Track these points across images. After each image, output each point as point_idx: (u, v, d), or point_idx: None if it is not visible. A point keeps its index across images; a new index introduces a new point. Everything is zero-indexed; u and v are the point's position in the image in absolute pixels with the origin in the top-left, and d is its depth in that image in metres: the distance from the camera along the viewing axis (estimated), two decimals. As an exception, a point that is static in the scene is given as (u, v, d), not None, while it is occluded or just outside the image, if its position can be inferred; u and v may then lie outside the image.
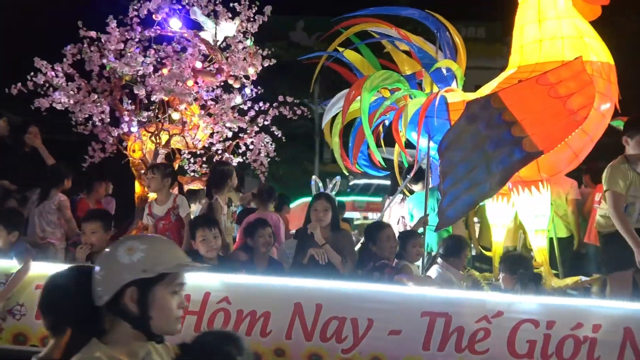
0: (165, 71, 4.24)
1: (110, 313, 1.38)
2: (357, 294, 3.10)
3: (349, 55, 4.69)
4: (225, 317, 3.12)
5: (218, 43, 4.81)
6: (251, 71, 4.80)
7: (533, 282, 3.06)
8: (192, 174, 5.21)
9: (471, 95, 4.58)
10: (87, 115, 4.35)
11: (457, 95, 4.53)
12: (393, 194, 5.55)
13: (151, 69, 4.26)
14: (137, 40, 4.70)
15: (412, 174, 4.74)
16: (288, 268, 3.61)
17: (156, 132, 4.42)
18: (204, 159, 5.14)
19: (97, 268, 1.41)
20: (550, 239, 4.46)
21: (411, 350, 3.00)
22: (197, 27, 4.98)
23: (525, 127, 3.88)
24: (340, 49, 4.69)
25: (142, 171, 4.52)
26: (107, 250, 1.45)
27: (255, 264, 3.50)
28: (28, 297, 3.26)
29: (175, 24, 4.87)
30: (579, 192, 4.81)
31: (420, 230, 4.03)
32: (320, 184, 3.75)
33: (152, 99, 4.51)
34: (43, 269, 3.27)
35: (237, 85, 4.51)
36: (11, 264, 3.33)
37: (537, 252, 4.18)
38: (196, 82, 4.40)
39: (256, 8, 4.96)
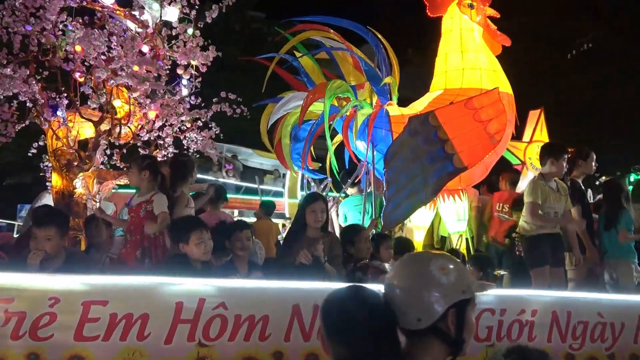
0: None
1: (419, 336, 1.33)
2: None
3: (303, 60, 4.79)
4: (222, 324, 3.00)
5: (157, 28, 4.46)
6: (193, 63, 4.55)
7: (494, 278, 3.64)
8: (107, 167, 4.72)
9: (405, 110, 5.11)
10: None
11: (395, 109, 5.01)
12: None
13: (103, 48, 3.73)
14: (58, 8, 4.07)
15: (357, 179, 5.04)
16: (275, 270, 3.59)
17: (99, 120, 3.90)
18: (124, 151, 4.68)
19: (401, 289, 1.35)
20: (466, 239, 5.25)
21: (398, 343, 3.30)
22: (126, 5, 4.53)
23: (455, 145, 4.52)
24: (297, 54, 4.76)
25: (72, 162, 3.95)
26: (411, 269, 1.39)
27: (236, 266, 3.40)
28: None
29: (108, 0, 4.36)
30: (479, 200, 5.72)
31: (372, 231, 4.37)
32: (313, 185, 3.82)
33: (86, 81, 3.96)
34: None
35: (186, 76, 4.24)
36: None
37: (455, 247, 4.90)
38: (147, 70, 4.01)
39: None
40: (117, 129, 4.21)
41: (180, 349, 2.94)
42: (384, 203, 4.94)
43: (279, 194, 10.67)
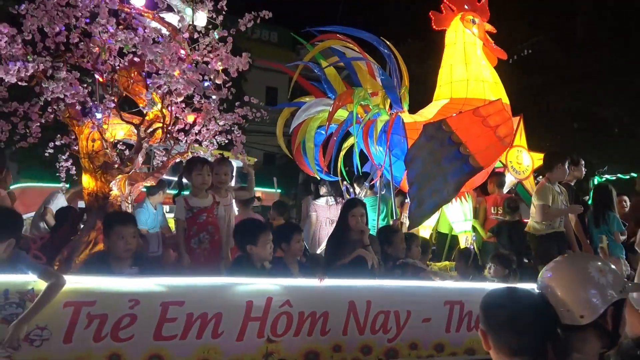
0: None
1: (578, 331, 1.51)
2: (398, 290, 3.55)
3: (326, 69, 5.00)
4: (288, 320, 3.19)
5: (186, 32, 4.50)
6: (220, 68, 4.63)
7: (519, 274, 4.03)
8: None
9: (417, 117, 5.44)
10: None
11: (408, 117, 5.33)
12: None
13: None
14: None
15: (372, 182, 5.31)
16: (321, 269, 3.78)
17: (139, 124, 3.92)
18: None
19: (564, 289, 1.55)
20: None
21: (438, 334, 3.61)
22: (154, 8, 4.55)
23: (470, 147, 4.90)
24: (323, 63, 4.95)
25: (112, 165, 3.95)
26: (571, 271, 1.60)
27: (290, 268, 3.58)
28: (53, 317, 2.69)
29: (138, 2, 4.36)
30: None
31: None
32: (352, 190, 4.03)
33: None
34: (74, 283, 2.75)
35: (219, 82, 4.32)
36: (24, 279, 2.68)
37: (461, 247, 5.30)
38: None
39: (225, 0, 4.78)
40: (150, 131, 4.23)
41: (250, 345, 3.10)
42: (393, 204, 5.28)
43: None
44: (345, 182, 4.17)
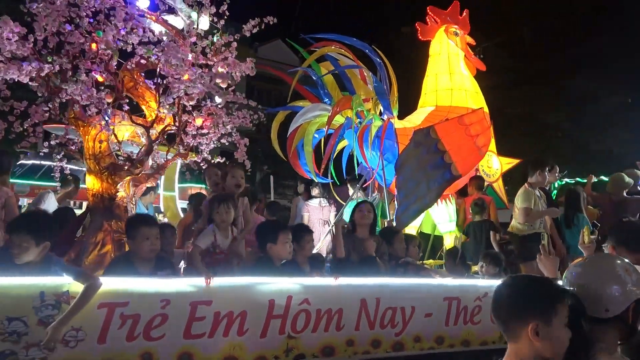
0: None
1: (601, 323, 1.73)
2: (404, 287, 3.79)
3: (324, 74, 5.18)
4: (306, 317, 3.35)
5: (193, 37, 4.56)
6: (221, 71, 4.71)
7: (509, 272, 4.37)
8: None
9: (406, 123, 5.73)
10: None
11: (398, 123, 5.60)
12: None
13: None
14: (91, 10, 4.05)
15: (366, 184, 5.54)
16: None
17: (149, 126, 3.95)
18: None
19: (592, 285, 1.76)
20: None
21: (438, 328, 3.88)
22: (156, 10, 4.58)
23: (452, 155, 5.24)
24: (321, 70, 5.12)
25: (122, 166, 3.97)
26: (600, 269, 1.82)
27: (300, 266, 3.74)
28: (87, 318, 2.74)
29: (143, 3, 4.38)
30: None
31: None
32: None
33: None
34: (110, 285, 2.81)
35: (224, 85, 4.42)
36: (60, 281, 2.72)
37: (448, 246, 5.63)
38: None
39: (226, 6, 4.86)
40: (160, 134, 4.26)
41: (273, 341, 3.25)
42: (385, 205, 5.54)
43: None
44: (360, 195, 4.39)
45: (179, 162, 5.23)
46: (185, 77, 4.11)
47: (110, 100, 3.96)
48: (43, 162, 9.88)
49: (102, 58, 4.03)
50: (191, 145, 4.30)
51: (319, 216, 5.66)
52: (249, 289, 3.21)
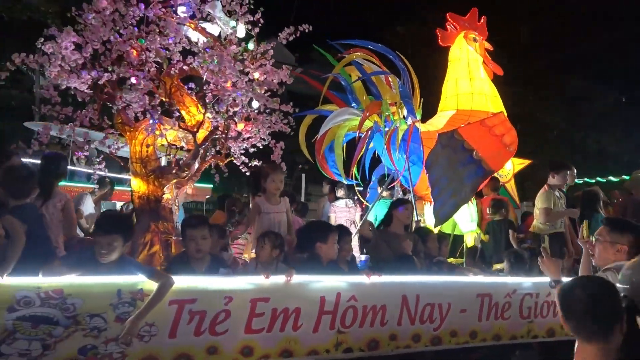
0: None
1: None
2: (441, 285, 3.99)
3: (349, 79, 5.37)
4: (354, 313, 3.55)
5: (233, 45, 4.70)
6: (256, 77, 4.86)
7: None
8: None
9: (430, 127, 5.92)
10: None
11: (422, 126, 5.79)
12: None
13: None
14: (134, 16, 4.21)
15: (392, 185, 5.73)
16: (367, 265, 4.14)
17: (196, 131, 4.12)
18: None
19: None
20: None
21: (472, 323, 4.08)
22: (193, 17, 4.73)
23: (480, 152, 5.42)
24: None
25: (170, 169, 4.13)
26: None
27: (339, 265, 3.93)
28: (159, 314, 2.92)
29: (182, 11, 4.54)
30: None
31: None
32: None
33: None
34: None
35: (261, 91, 4.57)
36: (135, 280, 2.89)
37: (469, 245, 5.85)
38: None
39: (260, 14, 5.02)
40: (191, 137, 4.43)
41: (324, 336, 3.44)
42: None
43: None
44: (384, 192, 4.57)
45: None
46: (228, 84, 4.28)
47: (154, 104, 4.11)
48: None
49: (145, 65, 4.18)
50: (231, 149, 4.46)
51: (345, 216, 5.85)
52: (302, 286, 3.39)
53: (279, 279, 3.30)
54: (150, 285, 2.89)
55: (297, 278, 3.38)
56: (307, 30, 4.74)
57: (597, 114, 20.12)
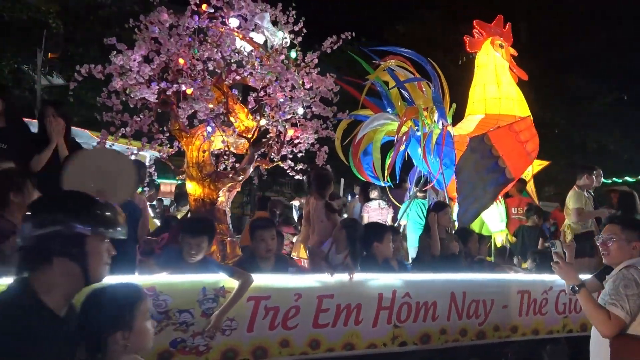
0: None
1: None
2: (485, 282, 4.22)
3: (384, 85, 5.60)
4: (408, 309, 3.77)
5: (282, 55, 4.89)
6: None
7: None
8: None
9: (460, 131, 6.15)
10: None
11: (453, 130, 6.02)
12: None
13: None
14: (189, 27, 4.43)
15: (426, 187, 5.96)
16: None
17: (251, 137, 4.34)
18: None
19: None
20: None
21: (514, 318, 4.31)
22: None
23: (505, 160, 5.67)
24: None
25: (227, 174, 4.36)
26: None
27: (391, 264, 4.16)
28: (239, 310, 3.14)
29: (234, 22, 4.75)
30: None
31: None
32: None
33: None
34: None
35: (306, 97, 4.77)
36: (216, 278, 3.11)
37: (498, 245, 6.08)
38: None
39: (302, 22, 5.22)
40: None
41: (382, 330, 3.67)
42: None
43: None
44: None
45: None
46: (285, 92, 4.49)
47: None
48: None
49: (199, 75, 4.41)
50: (280, 154, 4.68)
51: (378, 217, 6.07)
52: (363, 284, 3.62)
53: (342, 277, 3.53)
54: (231, 282, 3.11)
55: (358, 276, 3.60)
56: (349, 38, 4.96)
57: (597, 113, 20.38)
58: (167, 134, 4.65)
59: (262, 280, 3.24)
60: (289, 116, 4.38)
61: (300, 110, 5.02)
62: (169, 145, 4.92)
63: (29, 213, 1.57)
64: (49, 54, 12.46)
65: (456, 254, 4.33)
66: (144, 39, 4.09)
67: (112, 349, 1.62)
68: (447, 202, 5.54)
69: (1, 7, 11.69)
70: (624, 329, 2.57)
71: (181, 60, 4.40)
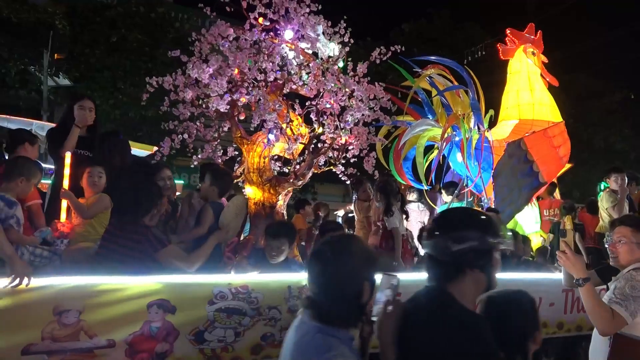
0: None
1: None
2: (533, 281, 4.46)
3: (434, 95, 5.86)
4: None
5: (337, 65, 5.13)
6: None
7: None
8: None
9: (496, 136, 6.38)
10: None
11: (490, 135, 6.26)
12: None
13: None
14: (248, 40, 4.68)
15: (462, 190, 6.20)
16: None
17: (309, 143, 4.59)
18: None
19: None
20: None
21: (559, 315, 4.55)
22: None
23: (539, 164, 5.90)
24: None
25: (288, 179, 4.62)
26: None
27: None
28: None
29: (288, 35, 5.00)
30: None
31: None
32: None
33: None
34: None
35: (355, 106, 5.00)
36: (299, 277, 3.36)
37: (534, 246, 6.31)
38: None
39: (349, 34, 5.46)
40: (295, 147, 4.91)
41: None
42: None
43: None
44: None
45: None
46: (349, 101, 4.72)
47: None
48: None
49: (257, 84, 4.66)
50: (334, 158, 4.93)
51: (417, 219, 6.31)
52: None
53: (407, 276, 3.77)
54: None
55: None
56: (399, 50, 5.20)
57: (605, 111, 20.56)
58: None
59: (299, 277, 3.48)
60: (353, 125, 4.62)
61: (349, 118, 5.28)
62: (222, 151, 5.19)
63: (444, 230, 1.76)
64: (55, 54, 12.73)
65: (507, 255, 4.56)
66: (213, 53, 4.35)
67: (529, 349, 1.82)
68: (488, 203, 5.79)
69: (9, 9, 11.94)
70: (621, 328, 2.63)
71: (235, 71, 4.67)
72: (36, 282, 2.63)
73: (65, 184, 3.50)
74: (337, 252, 1.64)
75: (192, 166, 5.03)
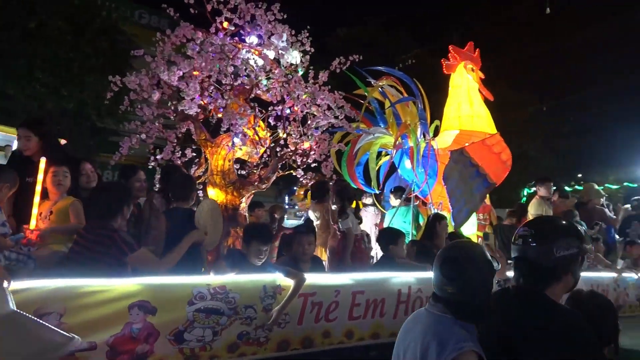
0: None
1: None
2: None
3: (387, 107, 6.19)
4: (420, 303, 4.34)
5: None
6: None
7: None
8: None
9: (440, 145, 6.87)
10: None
11: (435, 143, 6.73)
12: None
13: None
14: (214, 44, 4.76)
15: (409, 195, 6.60)
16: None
17: (274, 147, 4.73)
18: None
19: None
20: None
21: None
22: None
23: (484, 168, 6.46)
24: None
25: (252, 182, 4.72)
26: None
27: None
28: (292, 305, 3.56)
29: (252, 40, 5.12)
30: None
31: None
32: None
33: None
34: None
35: (317, 113, 5.25)
36: (273, 277, 3.50)
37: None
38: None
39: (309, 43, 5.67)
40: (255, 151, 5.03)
41: (400, 322, 4.19)
42: (419, 215, 6.65)
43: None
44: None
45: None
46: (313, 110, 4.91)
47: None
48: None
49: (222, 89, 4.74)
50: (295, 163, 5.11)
51: (373, 221, 6.65)
52: (386, 281, 4.15)
53: (369, 275, 4.04)
54: (285, 281, 3.52)
55: (381, 274, 4.13)
56: (357, 60, 5.48)
57: (521, 121, 22.55)
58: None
59: (309, 278, 3.68)
60: (320, 131, 4.83)
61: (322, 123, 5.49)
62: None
63: (548, 237, 1.90)
64: None
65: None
66: (178, 54, 4.38)
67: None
68: (432, 206, 6.23)
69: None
70: None
71: (195, 73, 4.72)
72: (16, 285, 2.57)
73: (38, 189, 3.39)
74: (469, 258, 1.90)
75: (113, 163, 4.90)
